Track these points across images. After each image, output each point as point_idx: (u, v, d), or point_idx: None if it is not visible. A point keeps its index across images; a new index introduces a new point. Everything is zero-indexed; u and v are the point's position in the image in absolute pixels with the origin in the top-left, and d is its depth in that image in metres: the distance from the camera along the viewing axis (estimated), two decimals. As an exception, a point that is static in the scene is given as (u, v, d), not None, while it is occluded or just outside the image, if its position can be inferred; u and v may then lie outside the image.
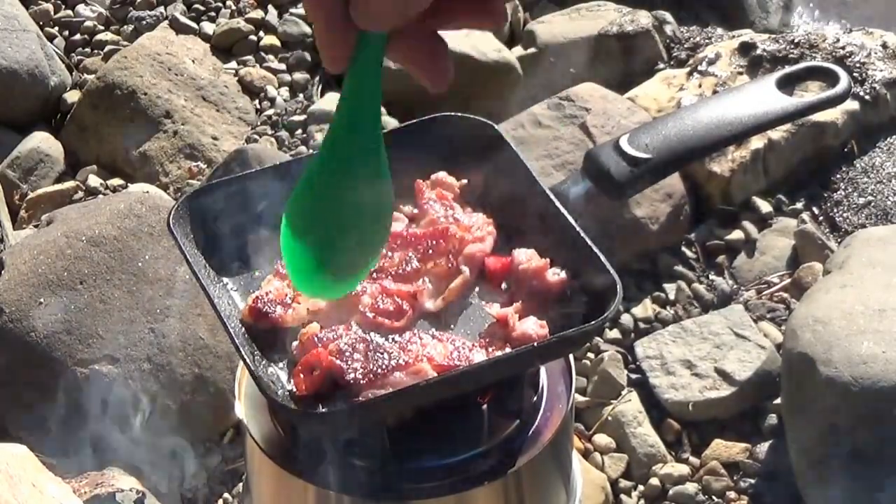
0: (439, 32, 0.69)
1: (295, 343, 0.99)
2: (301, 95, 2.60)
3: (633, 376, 2.01)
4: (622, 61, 2.58)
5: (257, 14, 2.74)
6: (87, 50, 2.79)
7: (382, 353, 0.96)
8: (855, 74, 2.37)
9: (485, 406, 1.03)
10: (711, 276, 2.18)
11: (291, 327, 1.02)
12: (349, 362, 0.95)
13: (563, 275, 1.04)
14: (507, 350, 0.99)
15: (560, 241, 1.06)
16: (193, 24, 2.74)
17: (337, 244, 0.78)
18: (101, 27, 2.84)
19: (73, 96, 2.61)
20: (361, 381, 0.94)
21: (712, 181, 2.24)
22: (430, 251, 1.06)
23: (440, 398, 0.98)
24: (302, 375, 0.95)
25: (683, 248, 2.21)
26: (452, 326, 1.04)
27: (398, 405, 0.97)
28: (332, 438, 1.00)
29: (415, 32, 0.68)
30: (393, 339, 0.99)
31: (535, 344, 0.97)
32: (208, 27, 2.74)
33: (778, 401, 1.93)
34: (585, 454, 1.93)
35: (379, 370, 0.95)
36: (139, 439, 1.84)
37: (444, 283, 1.06)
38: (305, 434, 1.01)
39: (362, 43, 0.68)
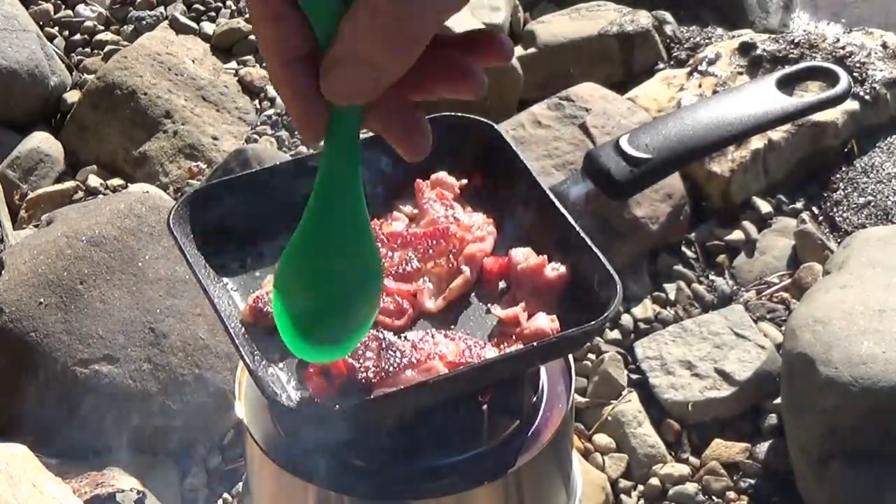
0: (418, 103, 0.68)
1: None
2: (301, 95, 2.60)
3: (633, 376, 2.01)
4: (622, 61, 2.58)
5: (257, 14, 2.74)
6: (87, 50, 2.79)
7: (395, 352, 0.96)
8: (855, 74, 2.37)
9: (485, 406, 1.03)
10: (711, 277, 2.17)
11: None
12: (361, 360, 0.95)
13: (561, 269, 1.04)
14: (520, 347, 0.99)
15: (560, 241, 1.05)
16: (193, 24, 2.74)
17: (321, 314, 0.77)
18: (101, 27, 2.84)
19: (73, 96, 2.61)
20: (373, 380, 0.94)
21: (712, 181, 2.24)
22: (431, 251, 1.06)
23: (434, 399, 0.97)
24: (316, 378, 0.95)
25: (683, 248, 2.21)
26: (452, 326, 1.04)
27: (403, 404, 0.97)
28: (335, 438, 0.99)
29: (391, 103, 0.67)
30: (405, 337, 0.99)
31: (536, 344, 0.97)
32: (208, 27, 2.74)
33: (778, 401, 1.93)
34: (585, 454, 1.93)
35: (391, 368, 0.95)
36: (139, 439, 1.84)
37: (444, 283, 1.06)
38: (310, 433, 1.01)
39: (336, 115, 0.67)
